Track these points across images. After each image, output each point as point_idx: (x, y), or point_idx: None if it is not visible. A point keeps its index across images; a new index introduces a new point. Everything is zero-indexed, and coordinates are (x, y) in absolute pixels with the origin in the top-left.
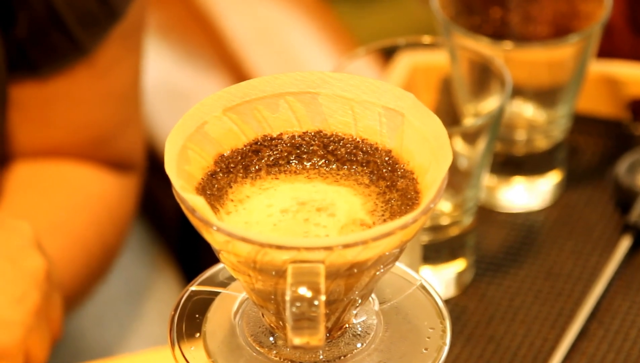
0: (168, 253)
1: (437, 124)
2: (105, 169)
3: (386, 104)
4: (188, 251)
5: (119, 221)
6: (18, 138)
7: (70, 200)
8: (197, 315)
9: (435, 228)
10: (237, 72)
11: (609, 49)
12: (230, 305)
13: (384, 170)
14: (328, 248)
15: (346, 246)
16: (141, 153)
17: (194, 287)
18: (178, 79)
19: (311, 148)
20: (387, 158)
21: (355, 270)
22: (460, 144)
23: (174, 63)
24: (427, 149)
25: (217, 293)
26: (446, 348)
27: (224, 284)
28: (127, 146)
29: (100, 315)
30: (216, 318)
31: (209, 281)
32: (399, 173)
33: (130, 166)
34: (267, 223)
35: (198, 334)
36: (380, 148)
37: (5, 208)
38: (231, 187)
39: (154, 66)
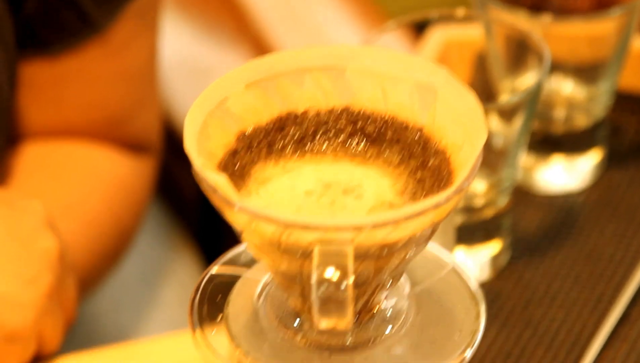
0: (187, 235)
1: (471, 101)
2: (120, 151)
3: (418, 79)
4: (208, 233)
5: (135, 204)
6: (29, 118)
7: (83, 182)
8: (218, 298)
9: (469, 210)
10: (259, 46)
11: None
12: (253, 287)
13: (415, 148)
14: (357, 228)
15: (376, 226)
16: (157, 134)
17: (215, 269)
18: (198, 55)
19: (338, 125)
20: (418, 136)
21: (385, 251)
22: (495, 122)
23: (194, 38)
24: (461, 127)
25: (239, 276)
26: (480, 333)
27: (247, 266)
28: (142, 127)
29: (116, 298)
30: (238, 301)
31: (230, 263)
32: (431, 151)
33: (146, 148)
34: (290, 205)
35: (220, 317)
36: (411, 126)
37: (16, 189)
38: (253, 166)
39: (173, 41)
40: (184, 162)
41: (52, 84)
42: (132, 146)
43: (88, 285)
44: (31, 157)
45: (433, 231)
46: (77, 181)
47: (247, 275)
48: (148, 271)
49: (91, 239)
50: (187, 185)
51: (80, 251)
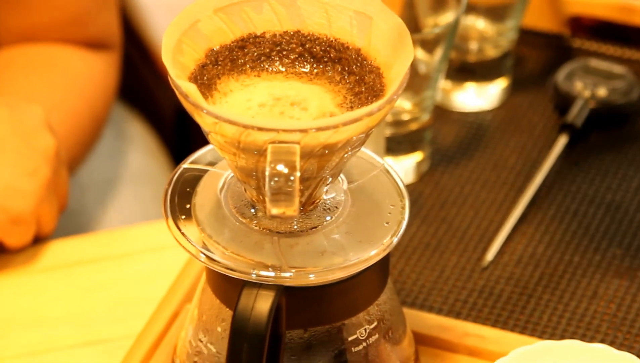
0: (163, 144)
1: (401, 27)
2: (86, 49)
3: (357, 8)
4: (180, 142)
5: (104, 94)
6: (3, 25)
7: (62, 80)
8: (187, 190)
9: (398, 123)
10: None
11: None
12: (217, 181)
13: (354, 66)
14: (303, 131)
15: (319, 129)
16: (117, 32)
17: (185, 165)
18: None
19: (290, 45)
20: (356, 56)
21: (327, 151)
22: (420, 52)
23: None
24: (392, 48)
25: (205, 171)
26: (405, 223)
27: (212, 163)
28: (103, 27)
29: (100, 196)
30: (204, 193)
31: (199, 161)
32: (367, 68)
33: (108, 45)
34: (246, 115)
35: (188, 206)
36: (350, 47)
37: (4, 88)
38: (219, 79)
39: None
40: (162, 82)
41: None
42: (96, 44)
43: (69, 168)
44: (10, 59)
45: (367, 136)
46: (57, 80)
47: (212, 170)
48: (129, 173)
49: (72, 129)
50: (164, 102)
51: (63, 140)
